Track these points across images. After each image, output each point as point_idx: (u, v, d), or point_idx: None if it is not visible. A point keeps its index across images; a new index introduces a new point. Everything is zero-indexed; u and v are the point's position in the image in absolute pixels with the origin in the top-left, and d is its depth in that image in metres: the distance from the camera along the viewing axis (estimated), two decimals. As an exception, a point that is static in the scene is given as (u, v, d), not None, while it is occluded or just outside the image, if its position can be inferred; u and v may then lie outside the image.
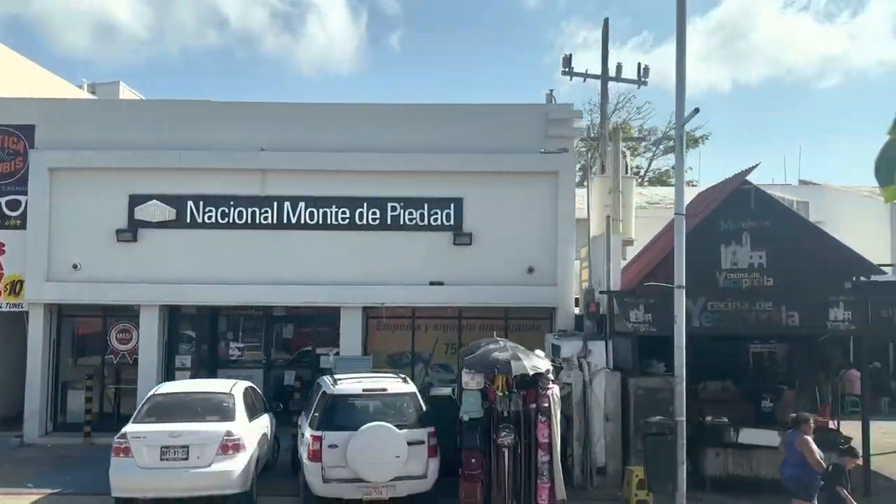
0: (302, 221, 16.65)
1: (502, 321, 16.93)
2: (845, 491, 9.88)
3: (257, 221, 16.65)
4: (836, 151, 79.82)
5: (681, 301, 10.85)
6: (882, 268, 13.75)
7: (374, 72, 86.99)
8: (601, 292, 13.92)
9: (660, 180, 53.07)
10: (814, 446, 10.18)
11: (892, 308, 12.57)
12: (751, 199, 12.80)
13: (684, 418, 10.79)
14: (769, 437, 12.34)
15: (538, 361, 10.75)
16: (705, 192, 18.74)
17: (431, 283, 16.41)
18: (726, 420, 12.84)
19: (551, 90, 18.23)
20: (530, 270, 16.56)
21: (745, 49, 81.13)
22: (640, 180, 53.86)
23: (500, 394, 10.44)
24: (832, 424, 14.14)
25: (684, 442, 10.70)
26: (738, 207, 12.96)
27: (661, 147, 54.79)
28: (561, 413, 12.36)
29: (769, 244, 12.86)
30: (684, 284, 10.91)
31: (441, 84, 79.91)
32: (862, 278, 12.78)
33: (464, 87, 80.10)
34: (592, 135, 22.89)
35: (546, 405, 10.46)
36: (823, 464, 10.02)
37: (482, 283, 16.39)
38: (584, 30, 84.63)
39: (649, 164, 56.54)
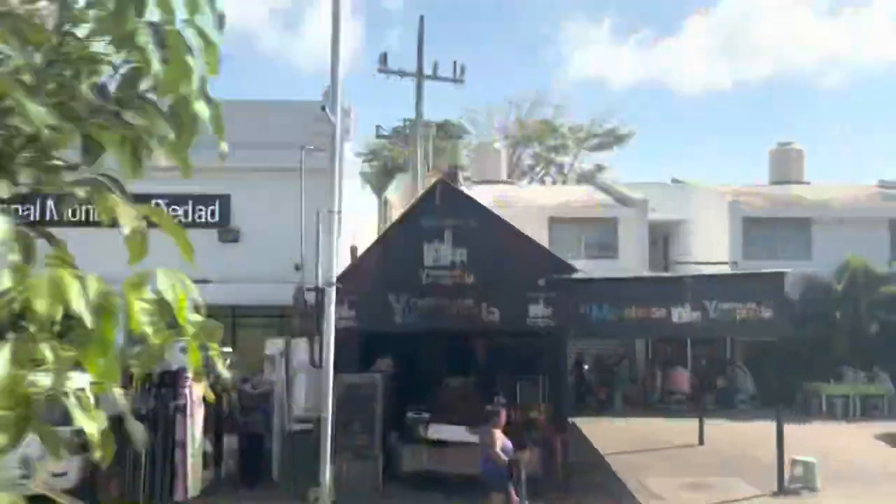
0: (65, 219, 16.54)
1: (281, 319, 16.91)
2: (509, 484, 10.13)
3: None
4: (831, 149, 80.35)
5: (331, 298, 10.93)
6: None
7: (372, 68, 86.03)
8: (308, 289, 13.92)
9: (587, 178, 53.37)
10: (497, 440, 10.33)
11: (590, 304, 12.65)
12: (436, 197, 12.78)
13: (329, 414, 10.83)
14: (458, 433, 12.42)
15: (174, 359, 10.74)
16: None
17: (195, 282, 16.29)
18: (426, 416, 12.91)
19: (328, 86, 18.17)
20: (297, 268, 16.53)
21: (747, 46, 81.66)
22: (563, 179, 54.31)
23: (135, 392, 10.43)
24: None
25: (329, 439, 10.75)
26: (441, 205, 12.93)
27: (580, 145, 55.31)
28: (261, 410, 12.50)
29: (471, 242, 12.83)
30: (334, 282, 11.00)
31: (439, 81, 79.39)
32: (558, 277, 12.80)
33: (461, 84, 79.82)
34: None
35: (183, 403, 10.46)
36: (503, 457, 10.19)
37: (252, 281, 16.35)
38: (584, 28, 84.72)
39: (573, 162, 56.97)
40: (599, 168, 56.27)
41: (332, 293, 10.95)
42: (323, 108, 10.64)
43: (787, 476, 12.99)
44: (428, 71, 21.53)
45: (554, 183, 53.13)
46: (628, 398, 22.89)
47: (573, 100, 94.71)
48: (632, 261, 24.44)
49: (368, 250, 13.19)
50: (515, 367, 14.98)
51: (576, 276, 12.79)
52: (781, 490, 12.63)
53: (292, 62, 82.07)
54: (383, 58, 21.02)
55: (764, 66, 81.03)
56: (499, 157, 33.25)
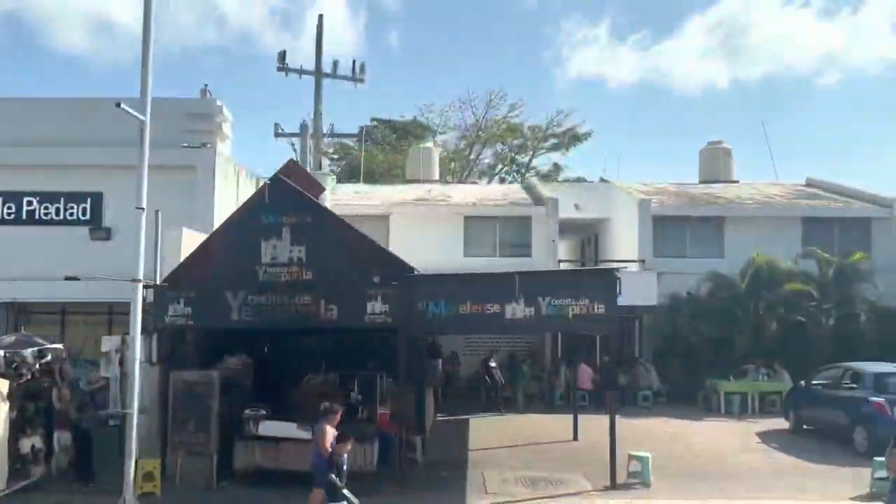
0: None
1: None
2: (333, 476, 10.22)
3: None
4: (830, 149, 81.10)
5: (137, 295, 11.04)
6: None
7: (373, 68, 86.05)
8: (146, 286, 13.88)
9: (546, 177, 53.54)
10: (328, 435, 10.44)
11: (426, 301, 12.75)
12: (265, 195, 12.84)
13: (135, 411, 10.92)
14: (287, 429, 12.51)
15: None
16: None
17: (67, 279, 16.38)
18: (263, 412, 12.97)
19: (206, 85, 18.28)
20: (173, 265, 16.61)
21: (745, 46, 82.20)
22: (522, 178, 54.29)
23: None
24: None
25: (133, 436, 10.85)
26: (275, 202, 12.97)
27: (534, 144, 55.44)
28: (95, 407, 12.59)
29: (309, 239, 12.91)
30: (140, 279, 11.11)
31: (438, 81, 79.62)
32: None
33: (461, 84, 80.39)
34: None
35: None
36: (329, 450, 10.31)
37: (125, 279, 16.37)
38: (584, 28, 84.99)
39: (530, 161, 57.12)
40: (556, 167, 56.64)
41: (139, 290, 11.02)
42: (118, 105, 10.64)
43: (625, 471, 13.17)
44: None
45: (511, 182, 53.19)
46: (531, 395, 23.01)
47: (531, 100, 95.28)
48: (543, 259, 24.50)
49: (202, 247, 13.23)
50: (378, 364, 15.07)
51: (412, 273, 12.90)
52: (613, 485, 12.77)
53: (292, 62, 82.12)
54: (282, 56, 21.08)
55: (761, 65, 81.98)
56: (431, 156, 33.37)
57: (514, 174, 55.88)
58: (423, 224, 25.46)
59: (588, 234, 33.24)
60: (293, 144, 19.19)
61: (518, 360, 23.88)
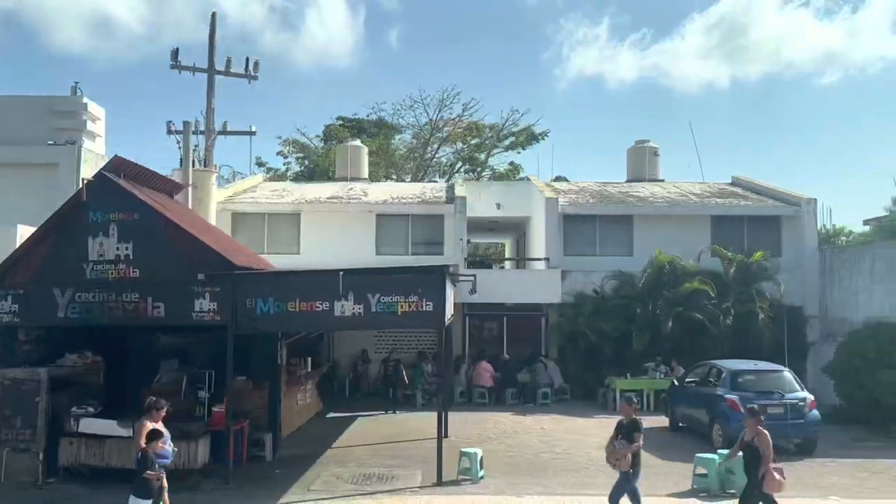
0: None
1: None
2: (150, 473, 10.16)
3: None
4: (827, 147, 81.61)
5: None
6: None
7: (372, 67, 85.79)
8: None
9: (502, 176, 53.58)
10: (143, 430, 10.38)
11: (255, 298, 12.74)
12: (83, 193, 12.81)
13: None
14: (107, 427, 12.50)
15: None
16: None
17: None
18: (91, 409, 12.96)
19: (77, 83, 18.08)
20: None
21: (745, 46, 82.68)
22: (478, 176, 54.30)
23: None
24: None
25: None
26: (103, 199, 12.92)
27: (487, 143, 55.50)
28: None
29: (136, 237, 12.88)
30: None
31: (438, 80, 79.91)
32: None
33: (461, 83, 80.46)
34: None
35: None
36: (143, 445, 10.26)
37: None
38: (584, 27, 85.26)
39: (486, 159, 57.13)
40: (514, 166, 56.68)
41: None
42: None
43: (456, 467, 13.25)
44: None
45: (470, 180, 53.14)
46: (432, 393, 23.05)
47: (530, 99, 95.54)
48: (452, 256, 24.55)
49: (29, 243, 13.19)
50: (236, 363, 15.04)
51: (237, 272, 12.90)
52: (439, 482, 12.81)
53: (290, 60, 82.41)
54: (175, 53, 21.00)
55: (760, 65, 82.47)
56: (359, 154, 33.36)
57: (471, 173, 55.88)
58: (334, 222, 25.48)
59: (519, 233, 33.41)
60: (178, 142, 18.98)
61: (422, 358, 23.90)
